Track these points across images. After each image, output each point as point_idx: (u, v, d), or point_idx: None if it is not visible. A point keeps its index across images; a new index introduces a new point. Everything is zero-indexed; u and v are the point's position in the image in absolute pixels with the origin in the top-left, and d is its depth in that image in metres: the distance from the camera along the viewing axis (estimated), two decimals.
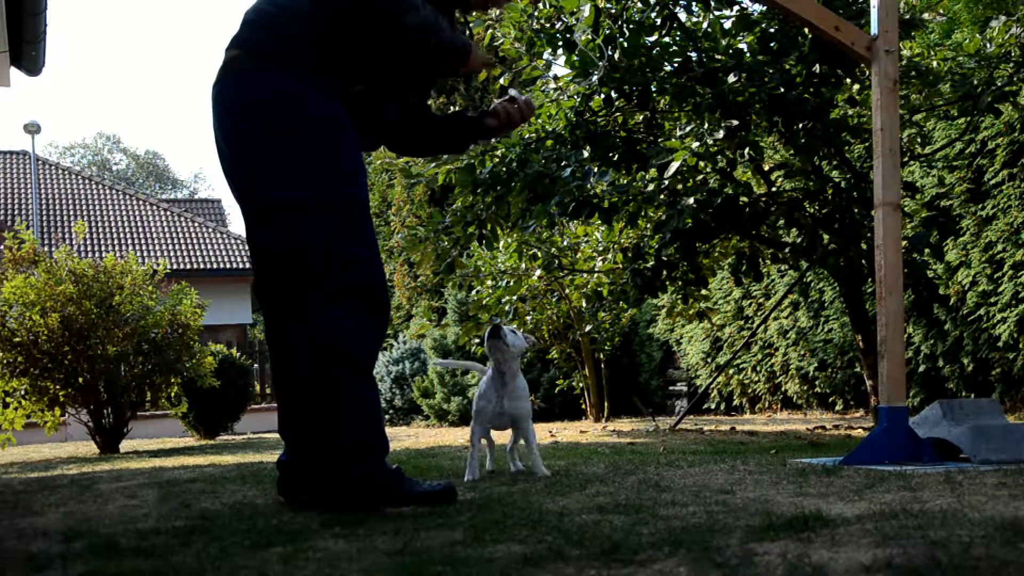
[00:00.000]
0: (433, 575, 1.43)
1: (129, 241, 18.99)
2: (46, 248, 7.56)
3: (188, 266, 17.91)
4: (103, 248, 18.19)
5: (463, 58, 2.32)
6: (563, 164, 4.56)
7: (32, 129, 19.02)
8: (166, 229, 19.53)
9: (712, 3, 4.53)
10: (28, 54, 5.83)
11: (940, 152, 6.04)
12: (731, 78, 4.35)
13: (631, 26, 4.50)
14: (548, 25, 4.87)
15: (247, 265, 18.10)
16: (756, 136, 4.88)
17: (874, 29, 3.24)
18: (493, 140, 4.47)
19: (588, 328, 8.68)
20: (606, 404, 9.27)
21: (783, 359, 8.37)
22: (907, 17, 4.38)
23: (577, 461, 3.60)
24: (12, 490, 3.45)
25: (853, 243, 4.36)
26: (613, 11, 4.54)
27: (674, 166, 4.31)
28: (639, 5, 4.61)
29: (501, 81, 5.69)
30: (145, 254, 17.30)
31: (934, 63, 4.97)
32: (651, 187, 4.65)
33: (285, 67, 2.17)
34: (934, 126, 6.22)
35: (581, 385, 9.36)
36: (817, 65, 4.31)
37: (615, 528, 1.80)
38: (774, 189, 5.20)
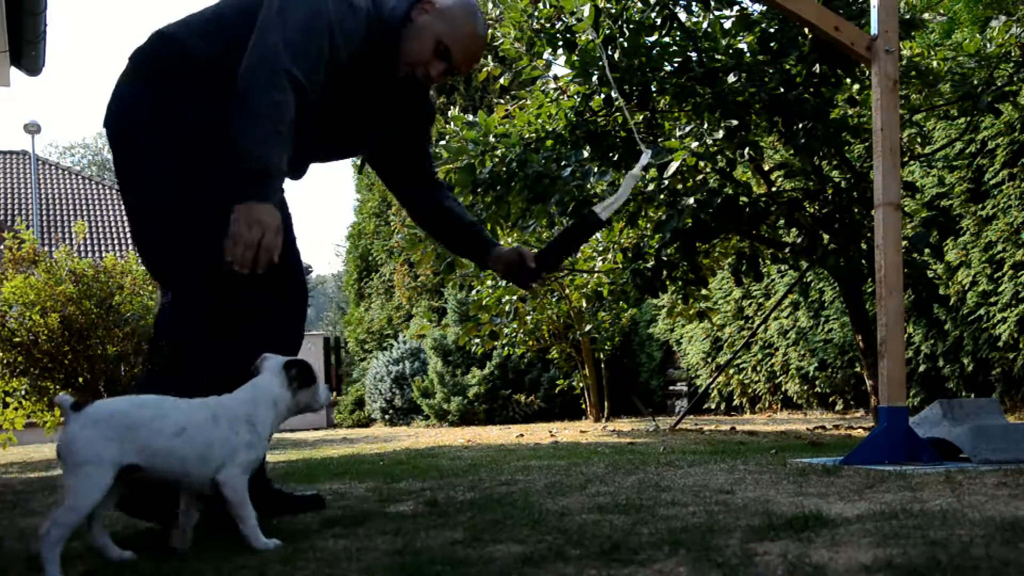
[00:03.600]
0: (433, 575, 1.43)
1: (129, 241, 18.98)
2: (46, 248, 7.56)
3: None
4: (103, 248, 18.19)
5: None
6: (563, 164, 4.55)
7: (32, 129, 19.02)
8: None
9: (712, 3, 4.52)
10: (28, 54, 5.83)
11: (940, 152, 6.04)
12: (731, 78, 4.34)
13: (631, 26, 4.50)
14: (548, 25, 4.87)
15: None
16: (756, 136, 4.88)
17: (874, 29, 3.24)
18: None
19: (588, 328, 8.68)
20: (606, 404, 9.27)
21: (783, 359, 8.37)
22: (907, 17, 4.37)
23: (577, 461, 3.60)
24: (12, 490, 3.45)
25: (853, 243, 4.36)
26: (613, 11, 4.54)
27: (674, 166, 4.31)
28: (639, 5, 4.61)
29: (501, 81, 5.69)
30: None
31: (934, 63, 4.97)
32: (651, 187, 4.65)
33: (160, 78, 2.15)
34: (934, 126, 6.22)
35: (581, 385, 9.36)
36: (817, 65, 4.31)
37: (615, 528, 1.80)
38: (774, 189, 5.20)
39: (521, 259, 2.55)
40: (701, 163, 4.71)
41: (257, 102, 1.99)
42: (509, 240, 6.62)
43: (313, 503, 2.39)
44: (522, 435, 6.63)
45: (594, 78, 4.60)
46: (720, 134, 4.31)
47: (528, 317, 7.95)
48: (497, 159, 4.75)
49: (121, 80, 2.20)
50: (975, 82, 4.72)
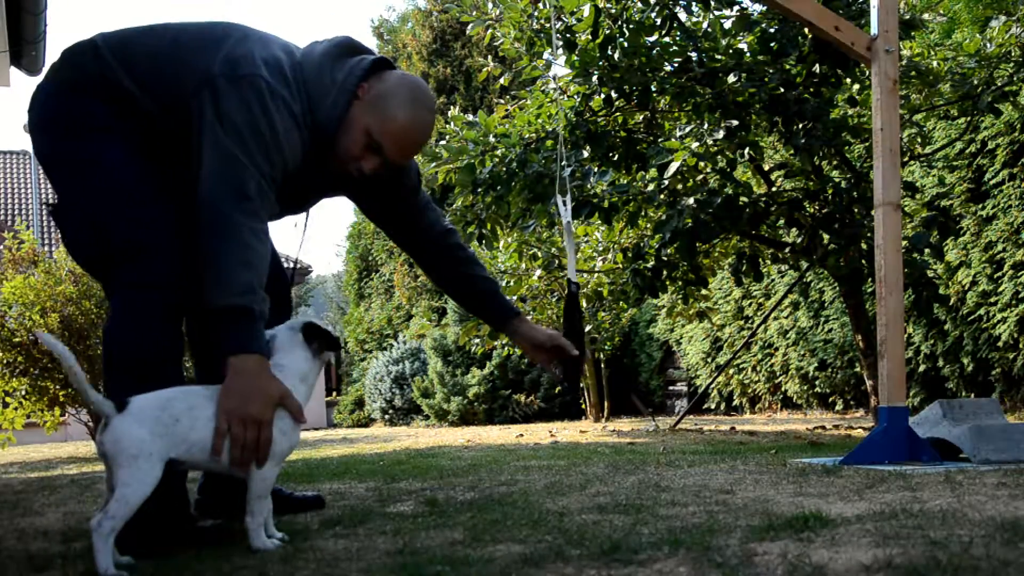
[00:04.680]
0: (433, 575, 1.43)
1: None
2: (46, 248, 7.57)
3: None
4: None
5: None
6: (562, 164, 4.55)
7: None
8: None
9: (712, 3, 4.52)
10: (28, 54, 5.83)
11: (940, 152, 6.04)
12: (731, 78, 4.34)
13: (631, 26, 4.50)
14: (548, 25, 4.87)
15: None
16: (756, 136, 4.87)
17: (874, 29, 3.24)
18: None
19: (588, 328, 8.68)
20: (606, 404, 9.28)
21: (783, 359, 8.37)
22: (907, 17, 4.37)
23: (577, 461, 3.60)
24: (12, 490, 3.45)
25: (853, 243, 4.36)
26: (613, 11, 4.54)
27: (674, 166, 4.31)
28: (639, 5, 4.61)
29: (501, 81, 5.69)
30: None
31: (934, 63, 4.97)
32: (651, 187, 4.65)
33: (77, 87, 2.02)
34: (934, 126, 6.22)
35: (581, 385, 9.37)
36: (817, 65, 4.31)
37: (615, 528, 1.80)
38: (774, 189, 5.20)
39: (559, 349, 2.35)
40: (701, 163, 4.71)
41: (238, 234, 1.82)
42: (509, 240, 6.62)
43: (313, 504, 2.39)
44: (522, 435, 6.63)
45: (594, 78, 4.60)
46: (720, 134, 4.31)
47: (528, 317, 7.95)
48: (497, 159, 4.75)
49: (48, 76, 2.08)
50: (975, 82, 4.71)
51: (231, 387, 1.76)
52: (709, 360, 9.50)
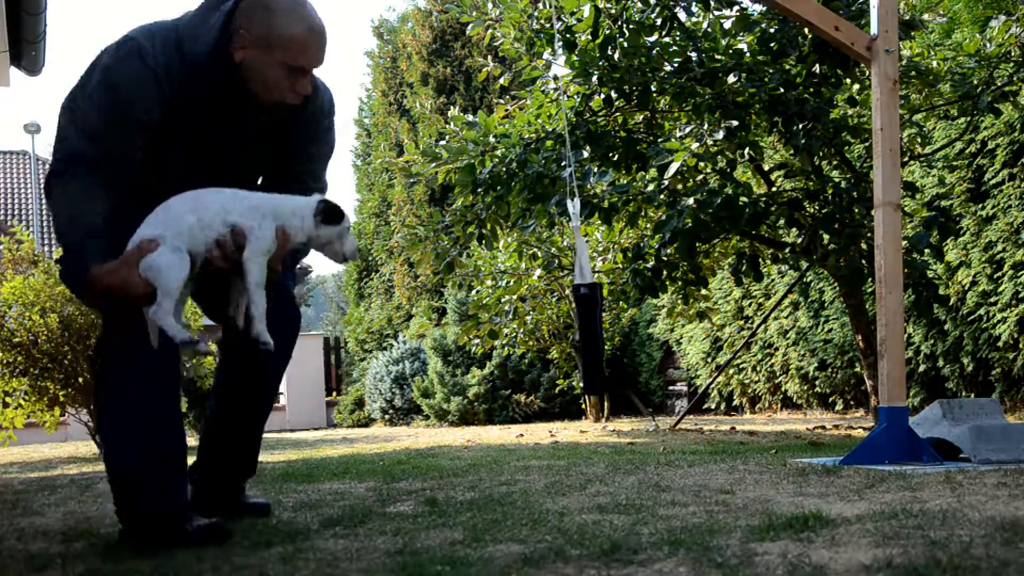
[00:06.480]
0: (433, 575, 1.43)
1: None
2: (45, 248, 7.58)
3: None
4: None
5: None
6: (563, 164, 4.56)
7: (32, 129, 19.02)
8: None
9: (712, 3, 4.53)
10: (28, 54, 5.83)
11: (940, 152, 6.04)
12: (731, 78, 4.34)
13: (631, 26, 4.50)
14: (548, 25, 4.88)
15: None
16: (756, 136, 4.87)
17: (874, 29, 3.24)
18: None
19: None
20: (606, 404, 9.27)
21: (783, 359, 8.37)
22: (907, 17, 4.38)
23: (577, 461, 3.60)
24: (12, 490, 3.45)
25: (853, 243, 4.37)
26: (613, 11, 4.54)
27: (674, 166, 4.31)
28: (639, 5, 4.62)
29: (501, 81, 5.69)
30: None
31: (934, 63, 4.97)
32: (651, 187, 4.65)
33: None
34: (934, 126, 6.22)
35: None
36: (817, 65, 4.31)
37: (615, 528, 1.80)
38: (774, 189, 5.20)
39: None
40: (701, 163, 4.71)
41: (59, 193, 2.00)
42: (509, 240, 6.61)
43: (260, 510, 2.32)
44: (522, 435, 6.63)
45: (594, 78, 4.60)
46: (720, 134, 4.31)
47: (528, 317, 7.95)
48: (497, 159, 4.75)
49: None
50: (975, 82, 4.71)
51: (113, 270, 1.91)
52: (709, 360, 9.49)
